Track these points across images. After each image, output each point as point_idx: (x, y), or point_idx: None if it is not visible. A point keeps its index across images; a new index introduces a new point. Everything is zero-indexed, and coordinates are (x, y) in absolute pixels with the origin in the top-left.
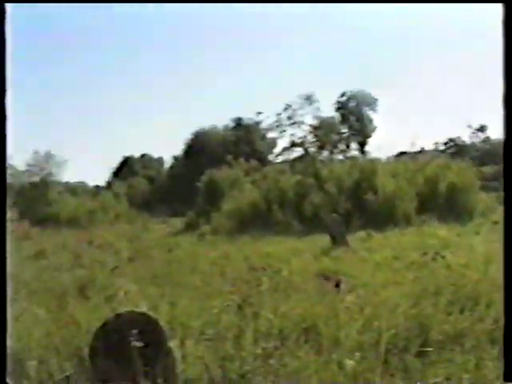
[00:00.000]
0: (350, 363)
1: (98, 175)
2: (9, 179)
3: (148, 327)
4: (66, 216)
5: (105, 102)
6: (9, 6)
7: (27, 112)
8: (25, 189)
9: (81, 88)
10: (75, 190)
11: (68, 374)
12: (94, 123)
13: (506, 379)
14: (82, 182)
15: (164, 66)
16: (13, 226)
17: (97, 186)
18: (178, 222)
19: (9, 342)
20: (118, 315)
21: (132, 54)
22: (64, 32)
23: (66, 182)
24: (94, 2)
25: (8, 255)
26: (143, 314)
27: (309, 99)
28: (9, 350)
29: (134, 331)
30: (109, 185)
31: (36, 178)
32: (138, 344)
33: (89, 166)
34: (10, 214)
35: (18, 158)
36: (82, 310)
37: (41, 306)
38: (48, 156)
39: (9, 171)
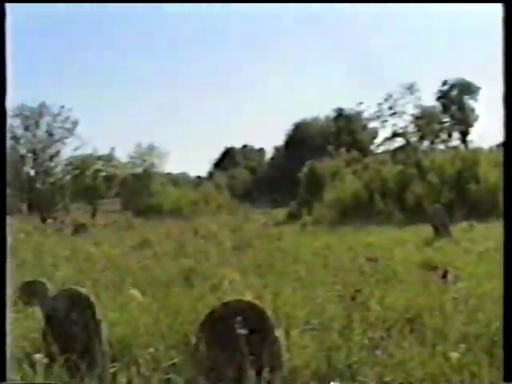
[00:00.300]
0: (454, 355)
1: (200, 166)
2: (112, 171)
3: (255, 316)
4: (168, 206)
5: (206, 93)
6: (9, 6)
7: (135, 106)
8: (128, 180)
9: (183, 81)
10: (177, 180)
11: (174, 361)
12: (195, 114)
13: (505, 379)
14: (184, 173)
15: (266, 58)
16: (116, 217)
17: (198, 177)
18: (279, 213)
19: (117, 329)
20: (225, 304)
21: (230, 46)
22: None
23: (169, 173)
24: (95, 2)
25: (112, 245)
26: (250, 303)
27: (410, 89)
28: (115, 336)
29: (239, 318)
30: (210, 175)
31: (139, 170)
32: (245, 332)
33: (191, 156)
34: (113, 205)
35: (120, 150)
36: (188, 298)
37: (147, 294)
38: (150, 148)
39: (112, 163)
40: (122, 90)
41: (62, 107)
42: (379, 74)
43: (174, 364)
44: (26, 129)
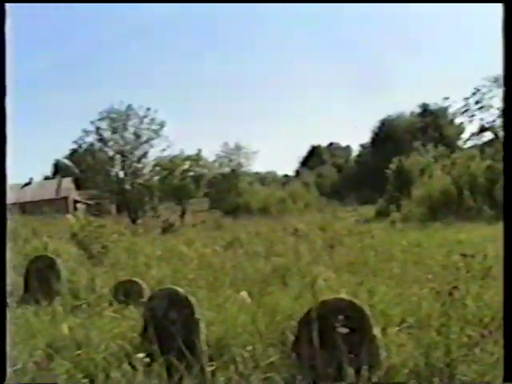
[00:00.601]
0: None
1: (287, 164)
2: (200, 171)
3: (353, 314)
4: (256, 205)
5: (292, 93)
6: (9, 6)
7: (222, 107)
8: (215, 180)
9: (271, 82)
10: (265, 179)
11: (272, 360)
12: (281, 114)
13: (505, 379)
14: (272, 172)
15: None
16: (204, 216)
17: (286, 176)
18: (367, 210)
19: (214, 328)
20: (323, 302)
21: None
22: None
23: (256, 172)
24: (96, 2)
25: (203, 244)
26: (348, 301)
27: (497, 81)
28: (212, 335)
29: (340, 317)
30: (297, 174)
31: (226, 169)
32: (344, 330)
33: (278, 155)
34: (201, 205)
35: (207, 150)
36: (284, 296)
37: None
38: (237, 147)
39: (200, 163)
40: (208, 91)
41: (148, 109)
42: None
43: (272, 363)
44: (114, 131)
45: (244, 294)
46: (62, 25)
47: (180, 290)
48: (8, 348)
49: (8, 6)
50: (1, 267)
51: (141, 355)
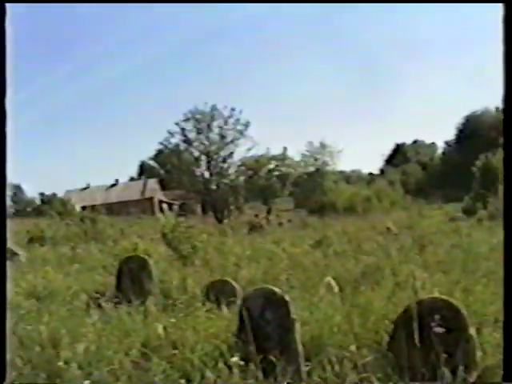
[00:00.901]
0: None
1: (372, 163)
2: (286, 170)
3: (449, 313)
4: (341, 204)
5: (374, 92)
6: (9, 6)
7: (306, 105)
8: (301, 179)
9: (353, 79)
10: (349, 178)
11: (368, 360)
12: (365, 112)
13: (505, 379)
14: (356, 170)
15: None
16: (290, 215)
17: (370, 174)
18: (453, 208)
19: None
20: (420, 301)
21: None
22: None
23: (341, 171)
24: (96, 2)
25: (291, 243)
26: (444, 301)
27: None
28: (306, 335)
29: (436, 317)
30: (382, 172)
31: (311, 168)
32: (440, 330)
33: (362, 153)
34: (286, 204)
35: (293, 149)
36: (376, 296)
37: (335, 292)
38: (322, 146)
39: (285, 162)
40: (291, 89)
41: (233, 109)
42: None
43: (367, 363)
44: (199, 132)
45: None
46: (145, 25)
47: (276, 289)
48: (8, 348)
49: (8, 6)
50: (1, 267)
51: (235, 359)
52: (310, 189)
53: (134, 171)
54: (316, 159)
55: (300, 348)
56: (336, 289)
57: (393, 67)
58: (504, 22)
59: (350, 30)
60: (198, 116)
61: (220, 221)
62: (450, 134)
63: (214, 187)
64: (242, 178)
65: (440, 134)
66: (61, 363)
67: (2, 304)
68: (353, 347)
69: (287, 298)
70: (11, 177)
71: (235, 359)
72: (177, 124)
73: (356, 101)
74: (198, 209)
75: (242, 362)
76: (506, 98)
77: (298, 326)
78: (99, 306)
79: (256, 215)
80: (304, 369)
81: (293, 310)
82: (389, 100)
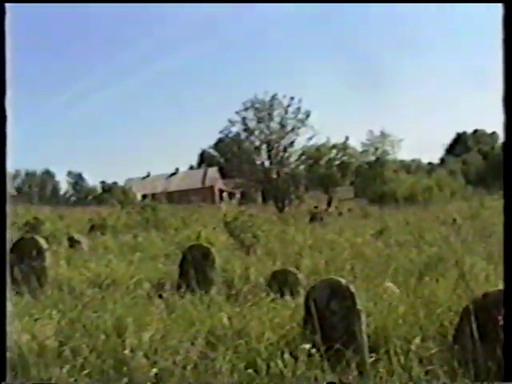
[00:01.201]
0: None
1: (432, 152)
2: (346, 159)
3: None
4: (402, 193)
5: (430, 81)
6: (9, 6)
7: (365, 94)
8: (361, 168)
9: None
10: (410, 167)
11: (433, 352)
12: (425, 101)
13: (505, 379)
14: (417, 160)
15: None
16: (351, 205)
17: (430, 163)
18: None
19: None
20: (486, 294)
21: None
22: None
23: (401, 161)
24: (95, 2)
25: (353, 233)
26: None
27: None
28: (371, 326)
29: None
30: (442, 161)
31: (372, 158)
32: None
33: (422, 143)
34: (347, 193)
35: (353, 138)
36: (440, 287)
37: (398, 283)
38: (383, 135)
39: (346, 151)
40: (353, 78)
41: (292, 98)
42: None
43: (432, 355)
44: (259, 121)
45: (390, 284)
46: (205, 21)
47: (342, 280)
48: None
49: (8, 6)
50: (1, 266)
51: (306, 346)
52: (370, 178)
53: (194, 160)
54: (377, 148)
55: (365, 339)
56: (396, 291)
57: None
58: (504, 22)
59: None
60: (257, 105)
61: (281, 210)
62: None
63: (274, 176)
64: (302, 167)
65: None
66: (127, 351)
67: (2, 304)
68: (418, 339)
69: (353, 288)
70: (74, 165)
71: (307, 346)
72: (237, 113)
73: (417, 89)
74: (259, 197)
75: (310, 351)
76: (506, 97)
77: (363, 316)
78: (162, 295)
79: (315, 207)
80: (369, 360)
81: (358, 301)
82: (449, 89)
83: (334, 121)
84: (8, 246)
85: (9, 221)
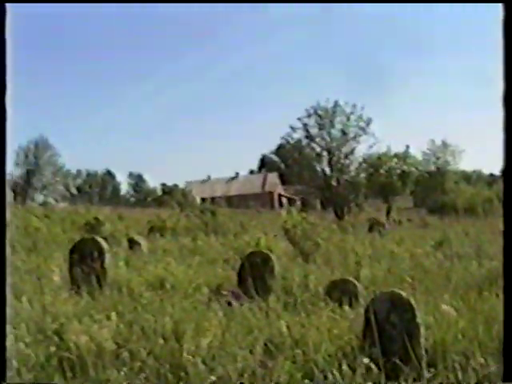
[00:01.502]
0: None
1: (494, 163)
2: (407, 168)
3: None
4: (462, 204)
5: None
6: (9, 6)
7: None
8: (421, 177)
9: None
10: (471, 178)
11: (492, 369)
12: (489, 111)
13: (505, 379)
14: (477, 171)
15: None
16: (409, 214)
17: (491, 175)
18: None
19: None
20: None
21: None
22: None
23: (462, 171)
24: (95, 2)
25: (412, 244)
26: None
27: None
28: (430, 341)
29: None
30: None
31: (432, 167)
32: None
33: (484, 154)
34: (406, 202)
35: (414, 147)
36: (500, 303)
37: (457, 297)
38: (444, 145)
39: (407, 160)
40: (414, 88)
41: (354, 106)
42: None
43: (489, 372)
44: (321, 128)
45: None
46: (258, 26)
47: (403, 293)
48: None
49: (8, 6)
50: (1, 266)
51: (365, 359)
52: (430, 188)
53: (254, 164)
54: (438, 158)
55: (423, 353)
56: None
57: None
58: (503, 22)
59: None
60: (320, 112)
61: (340, 217)
62: None
63: (334, 183)
64: (362, 175)
65: None
66: (185, 356)
67: (2, 304)
68: (477, 355)
69: (413, 302)
70: (135, 167)
71: (366, 360)
72: (299, 119)
73: (479, 99)
74: (318, 204)
75: (369, 364)
76: (506, 97)
77: (422, 330)
78: (220, 300)
79: (374, 213)
80: (426, 375)
81: (418, 314)
82: None
83: (395, 128)
84: (8, 246)
85: (8, 216)
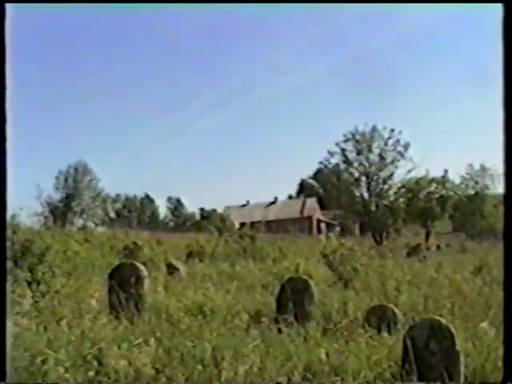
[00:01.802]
0: None
1: None
2: (446, 193)
3: None
4: (501, 229)
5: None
6: (9, 6)
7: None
8: (460, 202)
9: None
10: None
11: None
12: None
13: (505, 379)
14: None
15: None
16: (448, 239)
17: None
18: None
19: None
20: None
21: None
22: None
23: (502, 195)
24: (95, 2)
25: (451, 269)
26: None
27: None
28: (469, 368)
29: None
30: None
31: (471, 191)
32: None
33: None
34: (444, 227)
35: (452, 171)
36: None
37: (494, 324)
38: (483, 169)
39: (446, 185)
40: (452, 110)
41: (392, 130)
42: None
43: None
44: (359, 152)
45: (485, 324)
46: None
47: (442, 320)
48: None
49: (8, 6)
50: (1, 266)
51: None
52: (469, 212)
53: (293, 189)
54: (476, 182)
55: (462, 381)
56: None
57: None
58: (503, 22)
59: None
60: (357, 137)
61: (378, 242)
62: None
63: (373, 208)
64: (401, 200)
65: None
66: (223, 382)
67: (2, 304)
68: None
69: (453, 329)
70: (172, 191)
71: None
72: (337, 144)
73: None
74: (356, 229)
75: None
76: (506, 97)
77: (462, 358)
78: (259, 326)
79: (412, 239)
80: None
81: (457, 341)
82: None
83: (432, 152)
84: (7, 246)
85: (8, 216)
